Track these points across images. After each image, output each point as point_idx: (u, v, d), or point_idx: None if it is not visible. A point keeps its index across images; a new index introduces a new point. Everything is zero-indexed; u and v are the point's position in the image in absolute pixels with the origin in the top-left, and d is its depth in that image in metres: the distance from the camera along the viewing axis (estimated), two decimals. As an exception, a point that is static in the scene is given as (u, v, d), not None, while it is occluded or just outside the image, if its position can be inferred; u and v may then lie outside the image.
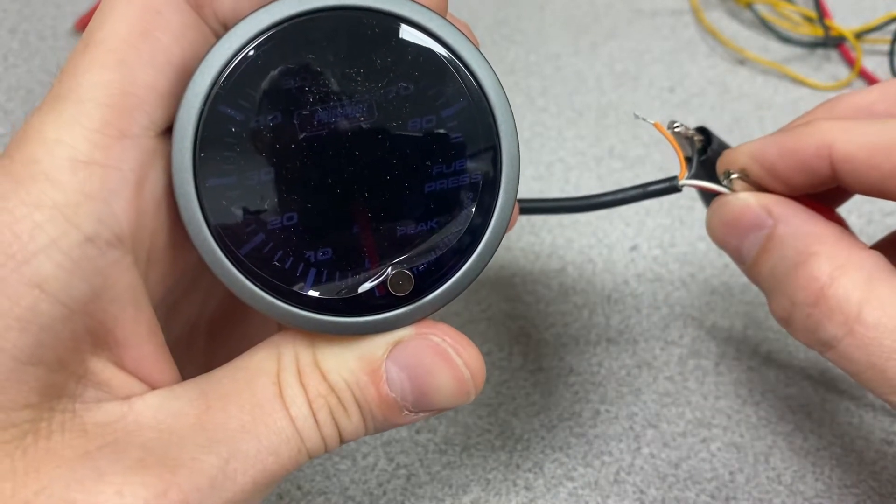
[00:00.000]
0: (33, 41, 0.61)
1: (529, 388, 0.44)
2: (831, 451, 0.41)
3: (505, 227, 0.27)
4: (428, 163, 0.26)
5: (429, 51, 0.26)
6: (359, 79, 0.25)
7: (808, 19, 0.63)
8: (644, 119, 0.34)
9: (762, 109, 0.58)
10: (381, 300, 0.26)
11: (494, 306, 0.47)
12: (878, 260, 0.28)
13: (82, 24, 0.61)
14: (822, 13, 0.62)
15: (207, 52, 0.25)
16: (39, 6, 0.63)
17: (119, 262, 0.24)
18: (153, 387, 0.26)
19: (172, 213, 0.25)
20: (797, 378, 0.44)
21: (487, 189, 0.27)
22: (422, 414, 0.27)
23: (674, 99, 0.59)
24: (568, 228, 0.51)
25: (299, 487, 0.40)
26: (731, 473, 0.40)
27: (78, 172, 0.23)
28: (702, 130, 0.33)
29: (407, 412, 0.27)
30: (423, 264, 0.27)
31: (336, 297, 0.26)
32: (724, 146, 0.33)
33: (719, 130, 0.56)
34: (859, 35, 0.61)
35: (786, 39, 0.63)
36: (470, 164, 0.26)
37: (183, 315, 0.30)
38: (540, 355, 0.45)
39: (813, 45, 0.63)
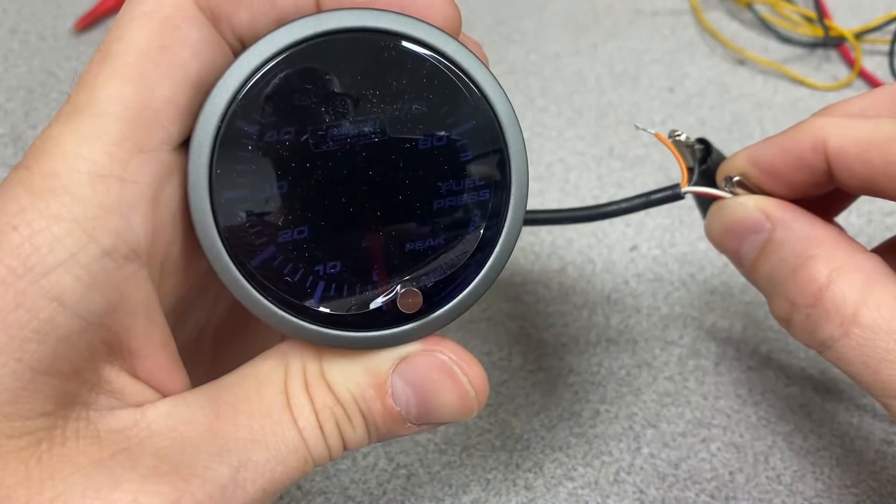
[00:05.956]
0: (33, 41, 0.61)
1: (529, 388, 0.44)
2: (831, 451, 0.41)
3: (513, 244, 0.27)
4: (438, 180, 0.27)
5: (441, 71, 0.26)
6: (373, 98, 0.26)
7: (808, 19, 0.63)
8: (645, 129, 0.34)
9: (762, 109, 0.58)
10: (388, 316, 0.27)
11: (494, 306, 0.47)
12: (876, 263, 0.28)
13: (82, 24, 0.61)
14: (821, 13, 0.62)
15: (226, 70, 0.25)
16: (39, 6, 0.63)
17: (135, 275, 0.24)
18: (165, 394, 0.26)
19: (186, 225, 0.26)
20: (797, 378, 0.44)
21: (496, 207, 0.27)
22: (424, 426, 0.28)
23: (674, 99, 0.59)
24: (568, 228, 0.51)
25: (299, 487, 0.40)
26: (731, 473, 0.41)
27: (97, 186, 0.23)
28: (702, 141, 0.33)
29: (410, 424, 0.27)
30: (431, 281, 0.27)
31: (345, 312, 0.26)
32: (722, 157, 0.33)
33: (719, 130, 0.57)
34: (859, 35, 0.61)
35: (786, 39, 0.63)
36: (479, 183, 0.27)
37: (191, 322, 0.30)
38: (540, 355, 0.45)
39: (813, 45, 0.63)
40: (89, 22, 0.61)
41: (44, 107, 0.56)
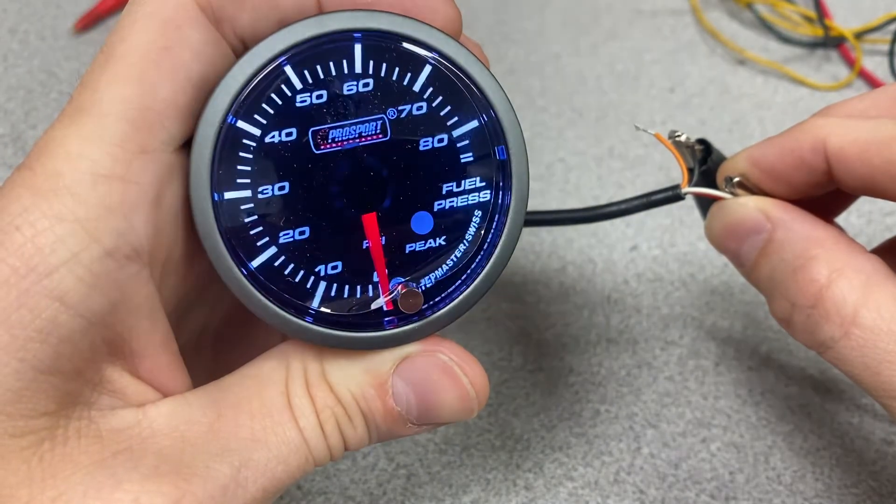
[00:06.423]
0: (33, 41, 0.61)
1: (529, 388, 0.44)
2: (831, 451, 0.41)
3: (513, 246, 0.28)
4: (439, 181, 0.27)
5: (442, 73, 0.26)
6: (374, 99, 0.26)
7: (808, 19, 0.63)
8: (645, 130, 0.34)
9: (762, 109, 0.58)
10: (389, 316, 0.27)
11: (494, 306, 0.47)
12: (876, 264, 0.28)
13: (82, 24, 0.61)
14: (822, 13, 0.62)
15: (228, 71, 0.25)
16: (39, 6, 0.63)
17: (137, 275, 0.24)
18: (166, 394, 0.26)
19: (188, 225, 0.26)
20: (797, 378, 0.44)
21: (497, 208, 0.27)
22: (425, 427, 0.28)
23: (674, 99, 0.59)
24: (568, 228, 0.51)
25: (299, 487, 0.40)
26: (731, 473, 0.41)
27: (99, 187, 0.23)
28: (702, 141, 0.33)
29: (410, 424, 0.27)
30: (431, 281, 0.27)
31: (346, 312, 0.27)
32: (722, 158, 0.33)
33: (719, 130, 0.57)
34: (859, 35, 0.61)
35: (786, 39, 0.63)
36: (480, 183, 0.27)
37: (192, 322, 0.31)
38: (540, 355, 0.45)
39: (813, 45, 0.63)
40: (89, 22, 0.61)
41: (44, 107, 0.56)
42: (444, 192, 0.27)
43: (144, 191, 0.24)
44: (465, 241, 0.27)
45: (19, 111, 0.56)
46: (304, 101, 0.26)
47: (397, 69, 0.26)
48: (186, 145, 0.25)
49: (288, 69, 0.25)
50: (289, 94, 0.25)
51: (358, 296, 0.27)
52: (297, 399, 0.26)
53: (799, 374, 0.44)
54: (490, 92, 0.27)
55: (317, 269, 0.26)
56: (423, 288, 0.27)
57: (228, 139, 0.25)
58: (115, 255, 0.23)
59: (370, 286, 0.27)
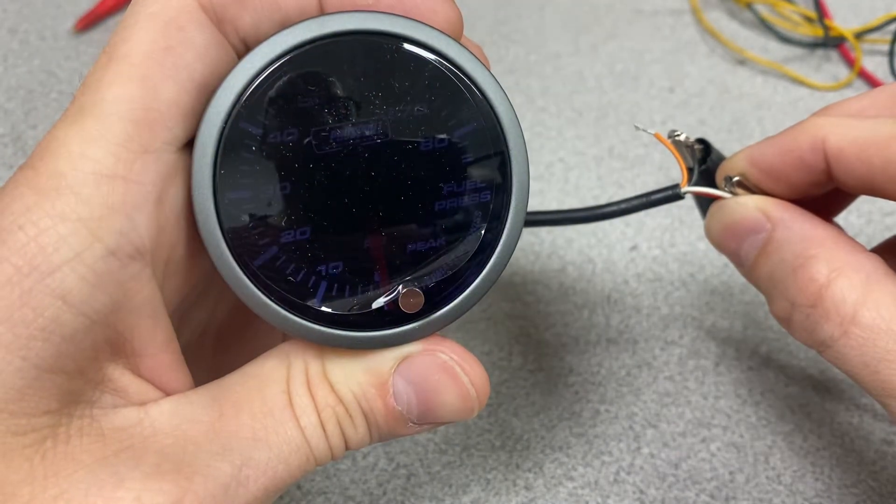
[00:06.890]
0: (33, 41, 0.61)
1: (529, 388, 0.44)
2: (831, 451, 0.41)
3: (514, 246, 0.28)
4: (440, 182, 0.27)
5: (443, 74, 0.27)
6: (375, 100, 0.26)
7: (808, 19, 0.63)
8: (644, 129, 0.34)
9: (762, 109, 0.58)
10: (390, 316, 0.27)
11: (494, 306, 0.47)
12: (876, 263, 0.28)
13: (82, 24, 0.61)
14: (821, 13, 0.62)
15: (230, 72, 0.25)
16: (39, 6, 0.63)
17: (139, 274, 0.24)
18: (168, 393, 0.26)
19: (190, 225, 0.26)
20: (797, 378, 0.44)
21: (497, 209, 0.27)
22: (426, 426, 0.28)
23: (674, 99, 0.59)
24: (568, 228, 0.51)
25: (299, 487, 0.40)
26: (731, 473, 0.41)
27: (101, 186, 0.23)
28: (701, 141, 0.33)
29: (411, 424, 0.27)
30: (432, 281, 0.27)
31: (347, 312, 0.27)
32: (721, 157, 0.33)
33: (719, 130, 0.57)
34: (859, 35, 0.61)
35: (786, 39, 0.63)
36: (480, 184, 0.27)
37: (194, 321, 0.31)
38: (540, 355, 0.45)
39: (813, 45, 0.63)
40: (89, 22, 0.61)
41: (44, 107, 0.56)
42: (444, 193, 0.27)
43: (147, 190, 0.24)
44: (465, 242, 0.27)
45: (19, 111, 0.56)
46: (306, 102, 0.26)
47: (398, 70, 0.26)
48: (189, 145, 0.25)
49: (290, 70, 0.25)
50: (290, 95, 0.25)
51: (359, 295, 0.27)
52: (298, 398, 0.26)
53: (799, 374, 0.44)
54: (490, 93, 0.27)
55: (318, 269, 0.26)
56: (424, 288, 0.27)
57: (230, 139, 0.25)
58: (117, 255, 0.23)
59: (371, 286, 0.27)
